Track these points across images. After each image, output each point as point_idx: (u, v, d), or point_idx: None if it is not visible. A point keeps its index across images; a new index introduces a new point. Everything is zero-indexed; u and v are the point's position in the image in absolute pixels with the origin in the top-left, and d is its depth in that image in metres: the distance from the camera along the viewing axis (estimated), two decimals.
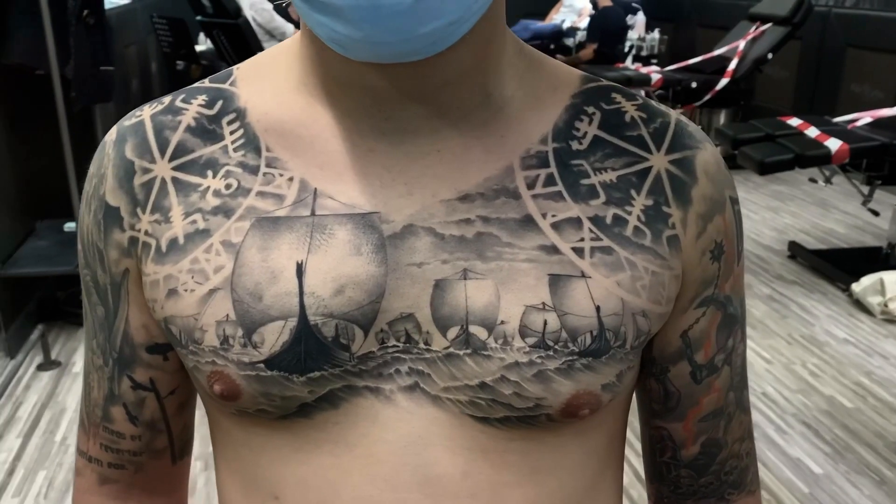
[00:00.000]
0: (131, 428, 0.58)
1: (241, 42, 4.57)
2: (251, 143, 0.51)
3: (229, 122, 0.52)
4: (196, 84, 0.55)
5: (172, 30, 4.93)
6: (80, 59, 2.86)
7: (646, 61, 6.31)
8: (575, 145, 0.51)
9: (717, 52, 5.37)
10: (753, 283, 3.51)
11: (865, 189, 3.61)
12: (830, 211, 4.58)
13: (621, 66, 5.77)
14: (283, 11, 5.12)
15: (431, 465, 0.49)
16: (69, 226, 3.02)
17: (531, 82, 0.52)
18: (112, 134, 0.54)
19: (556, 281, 0.48)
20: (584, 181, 0.50)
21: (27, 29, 2.70)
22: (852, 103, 4.89)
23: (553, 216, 0.49)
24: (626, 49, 6.42)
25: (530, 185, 0.50)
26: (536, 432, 0.50)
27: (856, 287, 3.32)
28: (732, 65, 5.12)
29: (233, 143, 0.51)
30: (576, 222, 0.49)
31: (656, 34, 6.58)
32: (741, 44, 5.19)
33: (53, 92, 2.63)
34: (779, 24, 5.06)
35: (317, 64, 0.50)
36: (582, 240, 0.49)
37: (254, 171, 0.50)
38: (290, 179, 0.50)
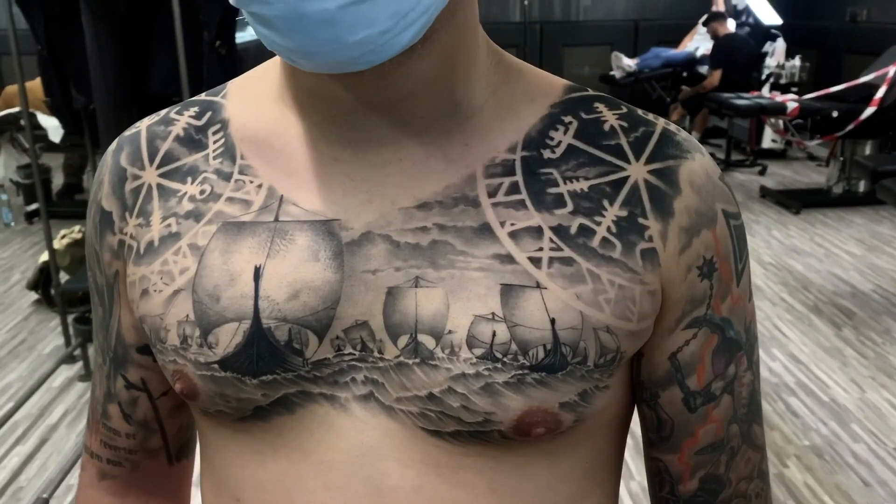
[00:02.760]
0: (126, 426, 0.60)
1: None
2: (228, 151, 0.53)
3: (214, 133, 0.54)
4: (193, 98, 0.58)
5: None
6: (212, 87, 3.06)
7: (785, 89, 6.01)
8: (547, 154, 0.49)
9: (863, 80, 5.02)
10: (893, 328, 3.23)
11: None
12: None
13: (756, 93, 5.52)
14: None
15: (383, 477, 0.48)
16: None
17: (506, 92, 0.51)
18: (113, 144, 0.57)
19: (508, 291, 0.46)
20: (552, 190, 0.48)
21: (165, 59, 2.92)
22: None
23: (512, 224, 0.47)
24: (764, 77, 6.15)
25: (492, 194, 0.48)
26: (493, 450, 0.47)
27: None
28: (880, 93, 4.77)
29: (214, 151, 0.53)
30: (536, 231, 0.47)
31: (797, 61, 6.26)
32: (891, 70, 4.83)
33: None
34: None
35: (289, 75, 0.51)
36: (540, 249, 0.47)
37: (227, 177, 0.51)
38: (259, 186, 0.51)
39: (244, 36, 3.71)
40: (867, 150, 5.05)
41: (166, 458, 0.62)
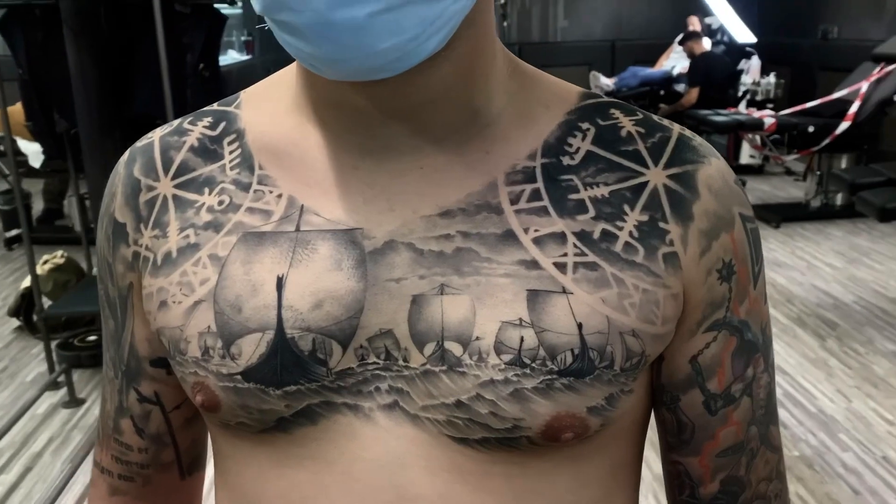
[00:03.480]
0: (138, 440, 0.59)
1: None
2: (246, 161, 0.52)
3: (229, 143, 0.54)
4: (206, 108, 0.58)
5: None
6: (196, 110, 3.05)
7: (761, 105, 6.10)
8: (566, 160, 0.49)
9: (836, 95, 5.12)
10: (876, 339, 3.27)
11: None
12: None
13: (733, 110, 5.60)
14: None
15: (408, 486, 0.48)
16: None
17: (523, 100, 0.51)
18: (125, 155, 0.57)
19: (534, 296, 0.46)
20: (573, 196, 0.48)
21: (149, 82, 2.91)
22: None
23: (535, 231, 0.47)
24: (740, 94, 6.24)
25: (514, 201, 0.48)
26: (519, 456, 0.47)
27: None
28: (854, 108, 4.86)
29: (230, 161, 0.53)
30: (559, 237, 0.47)
31: (772, 78, 6.36)
32: (864, 85, 4.93)
33: None
34: None
35: (308, 84, 0.51)
36: (565, 255, 0.47)
37: (246, 188, 0.51)
38: (279, 196, 0.50)
39: (226, 59, 3.72)
40: (843, 164, 5.13)
41: (178, 472, 0.62)
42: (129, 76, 2.96)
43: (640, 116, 0.52)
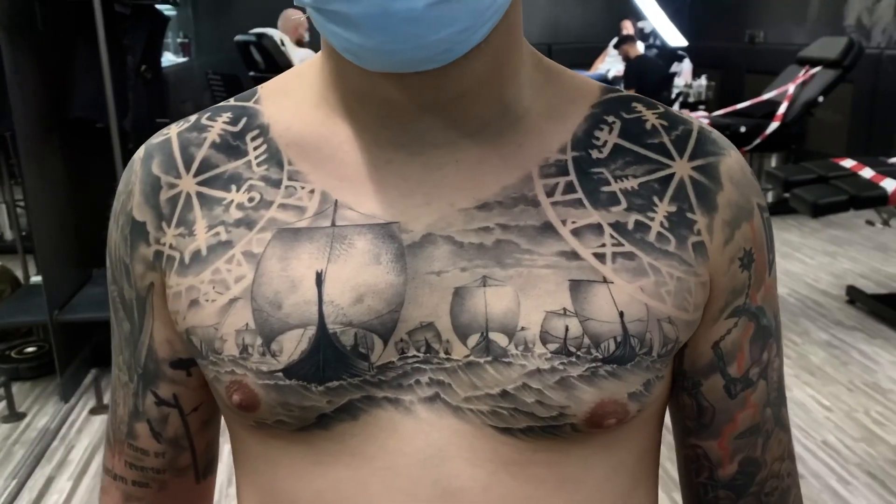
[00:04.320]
0: (155, 445, 0.58)
1: None
2: (274, 157, 0.52)
3: (253, 139, 0.53)
4: (222, 103, 0.57)
5: (226, 86, 5.10)
6: (138, 113, 2.98)
7: (694, 107, 6.29)
8: (595, 154, 0.51)
9: (766, 97, 5.31)
10: (811, 329, 3.41)
11: None
12: (890, 255, 4.43)
13: None
14: None
15: (452, 479, 0.48)
16: None
17: (549, 94, 0.52)
18: (140, 152, 0.56)
19: (576, 286, 0.47)
20: (605, 188, 0.50)
21: (88, 84, 2.82)
22: None
23: (573, 223, 0.48)
24: (673, 96, 6.41)
25: (549, 193, 0.49)
26: (562, 444, 0.48)
27: None
28: (782, 108, 5.06)
29: (256, 158, 0.52)
30: (596, 228, 0.48)
31: (703, 80, 6.56)
32: (790, 87, 5.13)
33: (112, 144, 2.73)
34: (829, 67, 4.99)
35: (336, 78, 0.51)
36: (603, 245, 0.48)
37: (276, 184, 0.51)
38: (312, 192, 0.50)
39: (162, 61, 3.63)
40: (773, 163, 5.33)
41: (194, 476, 0.61)
42: (68, 78, 2.86)
43: (662, 110, 0.54)
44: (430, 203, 0.49)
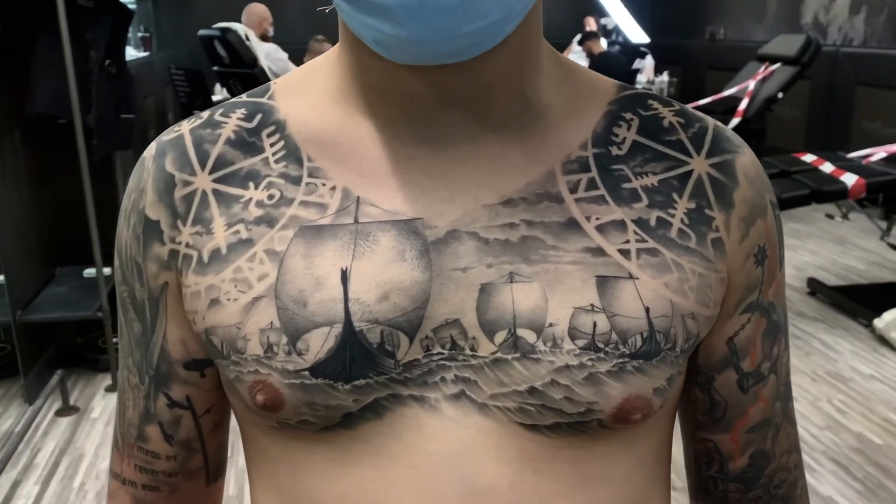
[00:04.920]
0: (167, 447, 0.57)
1: None
2: (292, 154, 0.51)
3: (269, 135, 0.52)
4: (234, 99, 0.56)
5: (189, 80, 5.02)
6: (101, 109, 2.92)
7: None
8: (615, 150, 0.51)
9: (727, 93, 5.40)
10: None
11: (883, 224, 3.59)
12: (849, 247, 4.55)
13: None
14: (298, 60, 5.21)
15: (478, 476, 0.48)
16: (89, 272, 3.04)
17: (567, 90, 0.52)
18: (151, 149, 0.55)
19: (603, 282, 0.47)
20: (626, 185, 0.50)
21: (50, 79, 2.75)
22: (864, 141, 4.89)
23: (597, 219, 0.49)
24: None
25: (572, 190, 0.49)
26: (585, 440, 0.49)
27: (878, 323, 3.27)
28: (743, 104, 5.14)
29: (273, 154, 0.52)
30: (620, 225, 0.49)
31: (665, 77, 6.65)
32: (751, 84, 5.22)
33: (76, 140, 2.67)
34: (788, 64, 5.09)
35: (356, 73, 0.50)
36: (627, 242, 0.49)
37: (296, 181, 0.50)
38: (333, 188, 0.50)
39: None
40: None
41: (205, 479, 0.60)
42: (30, 72, 2.79)
43: (677, 107, 0.54)
44: (454, 199, 0.49)
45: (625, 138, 0.52)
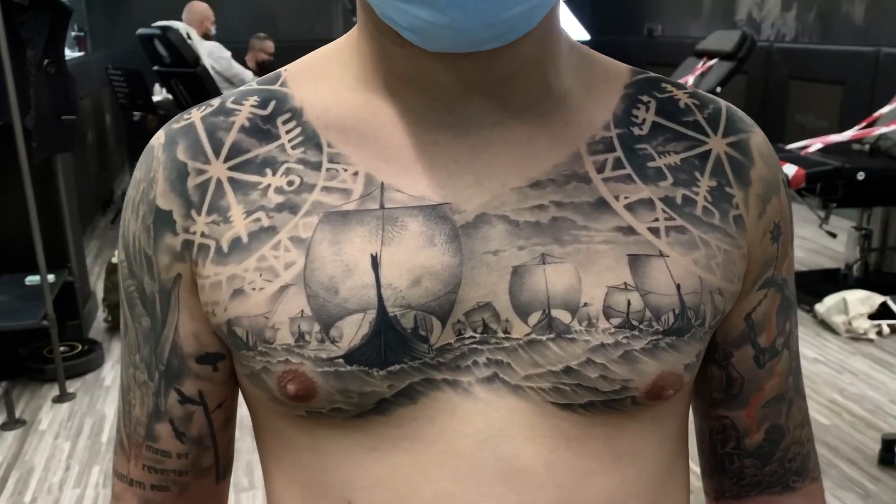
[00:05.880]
0: (178, 445, 0.55)
1: (199, 90, 4.55)
2: (311, 140, 0.50)
3: (285, 122, 0.51)
4: (244, 87, 0.55)
5: (128, 81, 4.89)
6: (40, 110, 2.81)
7: None
8: (636, 131, 0.52)
9: None
10: None
11: (821, 213, 3.71)
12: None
13: None
14: (240, 59, 5.13)
15: (514, 457, 0.48)
16: (31, 279, 2.93)
17: (585, 75, 0.53)
18: (160, 138, 0.53)
19: (635, 261, 0.48)
20: (651, 164, 0.51)
21: None
22: (798, 133, 5.06)
23: (626, 198, 0.49)
24: None
25: (599, 170, 0.50)
26: (618, 418, 0.49)
27: (819, 308, 3.39)
28: None
29: (290, 141, 0.51)
30: (648, 203, 0.49)
31: None
32: (690, 79, 5.34)
33: (15, 143, 2.57)
34: (725, 60, 5.23)
35: (377, 61, 0.50)
36: (656, 220, 0.49)
37: (316, 167, 0.49)
38: (355, 174, 0.49)
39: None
40: None
41: (215, 476, 0.58)
42: None
43: (690, 90, 0.55)
44: (482, 183, 0.49)
45: (644, 119, 0.52)
